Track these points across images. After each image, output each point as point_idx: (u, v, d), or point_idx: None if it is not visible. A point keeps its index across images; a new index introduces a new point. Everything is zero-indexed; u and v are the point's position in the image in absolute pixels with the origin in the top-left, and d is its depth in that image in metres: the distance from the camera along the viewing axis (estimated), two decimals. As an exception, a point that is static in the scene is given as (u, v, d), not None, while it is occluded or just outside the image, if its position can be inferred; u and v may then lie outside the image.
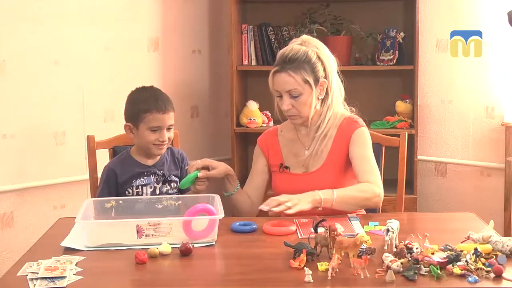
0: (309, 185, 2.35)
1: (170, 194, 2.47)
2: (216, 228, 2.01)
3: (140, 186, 2.44)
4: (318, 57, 2.36)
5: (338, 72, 2.43)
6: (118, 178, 2.44)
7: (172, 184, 2.50)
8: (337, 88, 2.43)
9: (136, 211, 2.24)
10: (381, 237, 1.95)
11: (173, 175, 2.51)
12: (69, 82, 3.53)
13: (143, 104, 2.40)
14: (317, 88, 2.35)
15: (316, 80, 2.35)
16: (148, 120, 2.39)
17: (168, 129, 2.43)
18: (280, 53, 2.38)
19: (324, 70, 2.37)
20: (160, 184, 2.48)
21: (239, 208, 2.47)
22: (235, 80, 3.89)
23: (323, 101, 2.41)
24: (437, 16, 3.88)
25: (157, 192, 2.46)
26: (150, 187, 2.46)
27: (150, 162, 2.49)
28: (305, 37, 2.43)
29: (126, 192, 2.44)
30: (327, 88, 2.39)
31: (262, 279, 1.73)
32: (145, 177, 2.46)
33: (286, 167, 2.45)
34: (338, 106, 2.45)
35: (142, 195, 2.43)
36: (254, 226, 2.13)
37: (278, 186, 2.46)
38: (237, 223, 2.14)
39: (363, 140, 2.39)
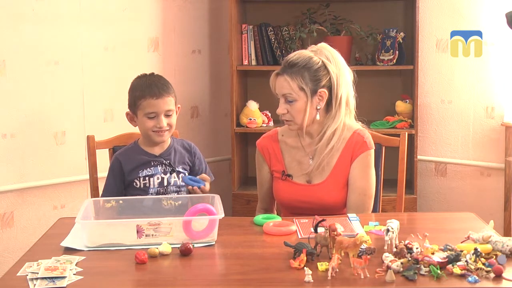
0: (312, 197, 2.36)
1: (178, 185, 2.44)
2: (216, 228, 2.01)
3: (147, 178, 2.41)
4: (324, 67, 2.31)
5: (353, 85, 2.39)
6: (123, 167, 2.42)
7: (180, 175, 2.45)
8: (345, 101, 2.36)
9: (138, 210, 2.24)
10: (381, 237, 1.95)
11: (182, 167, 2.47)
12: (69, 82, 3.53)
13: (138, 91, 2.39)
14: (314, 98, 2.32)
15: (314, 90, 2.31)
16: (143, 107, 2.37)
17: (167, 115, 2.39)
18: (287, 56, 2.37)
19: (330, 80, 2.32)
20: (168, 174, 2.43)
21: None
22: (235, 80, 3.88)
23: (326, 111, 2.37)
24: (437, 16, 3.87)
25: (165, 183, 2.42)
26: (158, 178, 2.42)
27: (157, 151, 2.45)
28: (321, 45, 2.39)
29: (134, 183, 2.41)
30: (331, 100, 2.34)
31: (262, 279, 1.73)
32: (151, 167, 2.42)
33: (289, 175, 2.43)
34: (346, 119, 2.39)
35: (149, 186, 2.40)
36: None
37: (280, 193, 2.45)
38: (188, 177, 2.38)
39: (366, 168, 2.37)
